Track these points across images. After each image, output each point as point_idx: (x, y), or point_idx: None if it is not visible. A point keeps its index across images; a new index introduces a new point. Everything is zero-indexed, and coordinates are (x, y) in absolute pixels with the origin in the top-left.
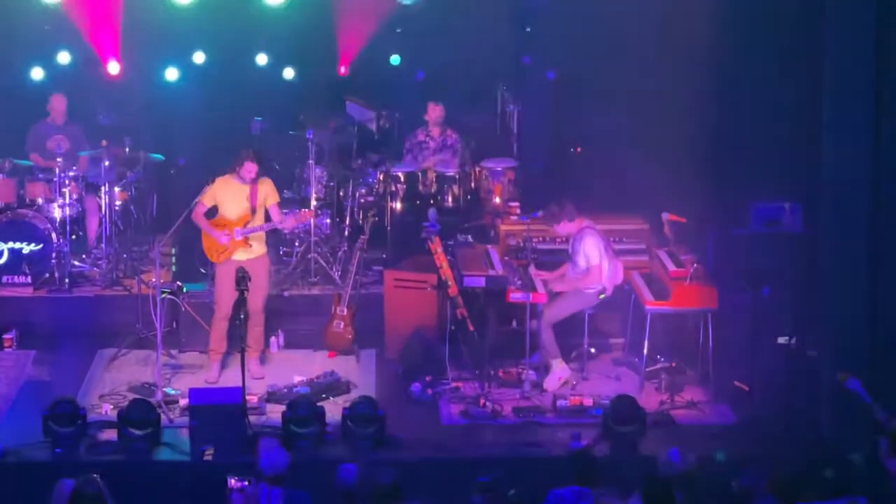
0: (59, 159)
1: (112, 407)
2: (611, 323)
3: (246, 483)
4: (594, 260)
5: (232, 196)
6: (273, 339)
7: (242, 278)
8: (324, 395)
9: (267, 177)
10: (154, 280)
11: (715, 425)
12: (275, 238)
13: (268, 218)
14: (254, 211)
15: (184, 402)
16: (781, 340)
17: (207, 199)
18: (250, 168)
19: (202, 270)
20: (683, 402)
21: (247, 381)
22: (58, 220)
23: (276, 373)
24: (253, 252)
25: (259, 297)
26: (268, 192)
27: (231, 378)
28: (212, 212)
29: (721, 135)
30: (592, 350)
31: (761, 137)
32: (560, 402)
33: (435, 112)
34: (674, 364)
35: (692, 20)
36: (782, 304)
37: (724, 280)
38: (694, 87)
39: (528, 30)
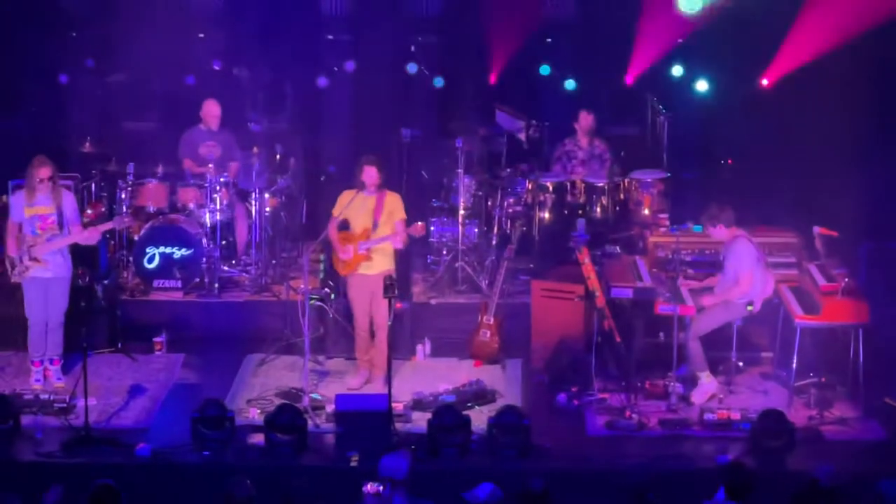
0: (210, 165)
1: (259, 411)
2: (759, 336)
3: (381, 488)
4: (744, 268)
5: (356, 209)
6: (419, 346)
7: (390, 286)
8: (469, 404)
9: (396, 192)
10: (303, 286)
11: (865, 441)
12: (422, 247)
13: None
14: (376, 225)
15: (330, 407)
16: None
17: (337, 210)
18: (370, 172)
19: (330, 283)
20: (832, 418)
21: (393, 388)
22: (208, 225)
23: (421, 381)
24: (376, 267)
25: (382, 312)
26: (394, 207)
27: (378, 385)
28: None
29: (873, 147)
30: (740, 364)
31: None
32: (707, 416)
33: (586, 121)
34: (823, 379)
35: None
36: None
37: (876, 294)
38: (846, 99)
39: (680, 41)
